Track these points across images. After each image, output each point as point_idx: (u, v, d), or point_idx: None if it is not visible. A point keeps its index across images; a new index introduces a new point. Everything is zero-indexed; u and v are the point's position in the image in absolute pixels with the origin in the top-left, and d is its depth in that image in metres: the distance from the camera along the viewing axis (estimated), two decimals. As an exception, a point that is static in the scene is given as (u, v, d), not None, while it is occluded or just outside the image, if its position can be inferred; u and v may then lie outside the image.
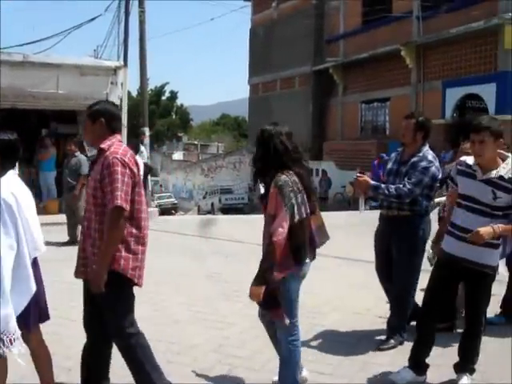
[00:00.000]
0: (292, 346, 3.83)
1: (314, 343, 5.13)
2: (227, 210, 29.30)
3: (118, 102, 15.60)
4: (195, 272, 8.06)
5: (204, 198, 35.93)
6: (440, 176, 5.07)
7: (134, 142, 15.61)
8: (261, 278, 3.61)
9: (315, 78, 29.86)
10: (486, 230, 3.96)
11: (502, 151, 4.14)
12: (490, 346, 5.18)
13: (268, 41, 33.53)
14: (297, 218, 3.66)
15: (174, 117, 70.55)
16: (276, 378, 3.96)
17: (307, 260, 3.84)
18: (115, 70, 15.25)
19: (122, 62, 15.87)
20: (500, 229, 3.97)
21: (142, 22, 16.78)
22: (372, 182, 4.85)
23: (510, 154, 4.13)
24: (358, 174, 4.94)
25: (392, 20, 25.23)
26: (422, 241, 5.03)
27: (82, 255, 3.58)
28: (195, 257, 9.22)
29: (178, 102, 72.21)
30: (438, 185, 5.22)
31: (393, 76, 25.44)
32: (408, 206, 4.90)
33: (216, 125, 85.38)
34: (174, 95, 70.51)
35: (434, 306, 4.37)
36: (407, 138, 5.06)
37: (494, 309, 5.76)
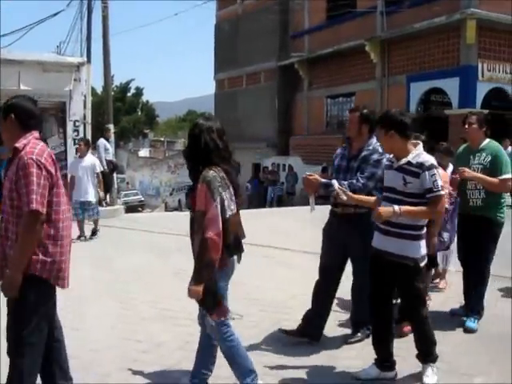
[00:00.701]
0: (229, 341, 3.80)
1: (282, 338, 5.13)
2: (194, 206, 29.08)
3: (81, 99, 15.44)
4: (162, 269, 8.02)
5: (171, 194, 35.81)
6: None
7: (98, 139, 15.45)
8: (199, 276, 3.55)
9: (281, 74, 29.85)
10: (384, 209, 4.05)
11: (416, 141, 4.26)
12: (456, 337, 5.28)
13: (233, 36, 33.42)
14: (228, 213, 3.65)
15: (139, 113, 69.91)
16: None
17: (234, 257, 3.84)
18: (78, 67, 15.07)
19: (85, 59, 15.68)
20: (402, 210, 4.01)
21: (105, 18, 16.55)
22: (323, 180, 4.71)
23: (420, 142, 4.26)
24: (308, 173, 4.79)
25: (356, 15, 25.32)
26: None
27: (1, 257, 3.40)
28: (162, 254, 9.18)
29: (144, 98, 71.60)
30: None
31: (358, 71, 25.56)
32: None
33: (182, 121, 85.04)
34: (139, 92, 69.86)
35: (381, 303, 4.38)
36: (352, 132, 5.03)
37: (459, 299, 5.86)
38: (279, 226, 12.91)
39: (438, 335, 5.18)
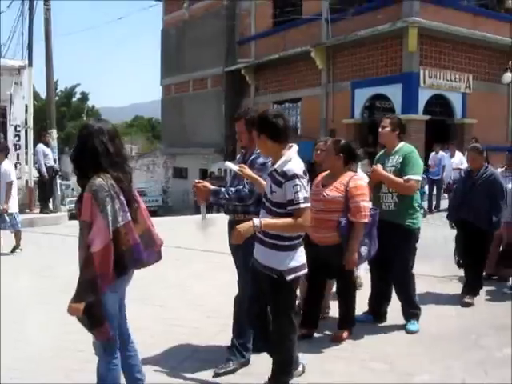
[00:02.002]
0: (108, 364, 3.50)
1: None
2: (141, 212, 28.83)
3: (23, 103, 15.12)
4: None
5: (118, 201, 35.27)
6: None
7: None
8: (81, 294, 3.29)
9: (227, 79, 29.89)
10: (243, 225, 3.75)
11: (291, 144, 3.93)
12: (400, 338, 5.40)
13: (180, 41, 33.33)
14: (116, 225, 3.35)
15: (85, 119, 68.82)
16: None
17: (129, 271, 3.55)
18: (19, 70, 14.78)
19: (27, 62, 15.34)
20: (262, 223, 3.73)
21: (47, 20, 16.22)
22: (211, 187, 4.47)
23: (293, 145, 3.91)
24: (197, 181, 4.52)
25: (302, 22, 25.59)
26: None
27: None
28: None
29: (90, 103, 70.53)
30: None
31: (304, 77, 25.84)
32: (254, 208, 4.41)
33: (129, 126, 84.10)
34: (85, 96, 68.76)
35: (256, 315, 4.14)
36: (244, 141, 4.68)
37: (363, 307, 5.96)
38: (222, 230, 12.86)
39: (381, 337, 5.31)
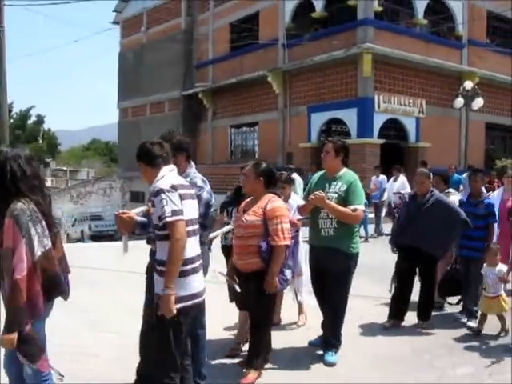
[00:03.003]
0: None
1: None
2: (98, 237, 28.49)
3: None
4: (57, 302, 7.72)
5: (73, 225, 34.74)
6: (213, 200, 4.65)
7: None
8: (12, 324, 3.15)
9: (185, 103, 29.96)
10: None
11: (169, 166, 3.85)
12: (317, 373, 5.38)
13: (137, 65, 33.29)
14: (40, 250, 3.28)
15: (40, 142, 67.87)
16: None
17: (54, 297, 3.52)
18: (-29, 92, 14.49)
19: (-21, 84, 15.09)
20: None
21: (0, 41, 16.01)
22: (138, 219, 4.15)
23: (166, 167, 3.81)
24: (120, 211, 4.13)
25: (259, 47, 25.90)
26: None
27: None
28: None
29: (46, 126, 69.68)
30: (214, 210, 4.86)
31: (260, 101, 26.05)
32: None
33: (86, 150, 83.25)
34: (40, 119, 67.94)
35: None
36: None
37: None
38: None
39: (297, 374, 5.15)
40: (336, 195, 5.33)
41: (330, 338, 5.46)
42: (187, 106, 29.92)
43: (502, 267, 6.20)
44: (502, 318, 6.17)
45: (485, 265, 6.30)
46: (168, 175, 3.75)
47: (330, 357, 5.35)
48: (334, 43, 21.56)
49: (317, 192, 5.28)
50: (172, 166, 3.88)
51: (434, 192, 6.62)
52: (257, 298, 4.88)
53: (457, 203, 7.13)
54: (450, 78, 23.84)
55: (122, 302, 7.33)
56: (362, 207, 5.39)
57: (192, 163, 4.69)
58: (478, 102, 20.37)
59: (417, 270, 6.69)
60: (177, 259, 3.54)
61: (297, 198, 6.70)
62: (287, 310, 6.48)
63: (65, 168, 69.93)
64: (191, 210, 3.80)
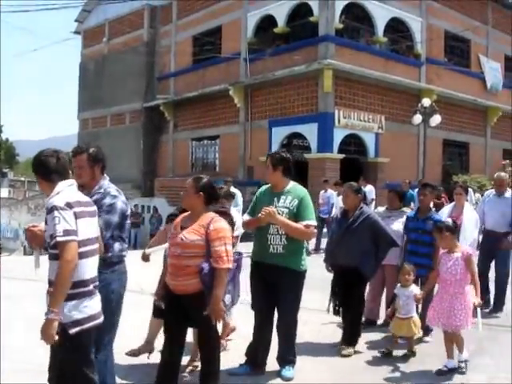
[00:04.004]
0: None
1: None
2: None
3: None
4: (10, 316, 7.55)
5: (30, 237, 34.08)
6: (129, 211, 4.47)
7: None
8: None
9: (146, 115, 29.77)
10: None
11: (68, 181, 3.67)
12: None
13: (98, 76, 33.01)
14: None
15: (-2, 151, 66.68)
16: None
17: None
18: None
19: None
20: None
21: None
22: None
23: (63, 182, 3.63)
24: (31, 224, 3.87)
25: (221, 60, 25.97)
26: (114, 295, 4.27)
27: None
28: (13, 300, 8.65)
29: (4, 136, 68.46)
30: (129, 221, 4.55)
31: (222, 114, 26.07)
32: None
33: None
34: (-2, 129, 66.80)
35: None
36: (85, 177, 4.36)
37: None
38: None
39: None
40: (287, 210, 5.20)
41: (286, 355, 5.40)
42: (148, 118, 29.75)
43: (414, 288, 6.12)
44: (410, 340, 6.10)
45: (398, 285, 6.22)
46: (64, 191, 3.56)
47: (287, 371, 5.32)
48: (296, 58, 21.76)
49: (267, 207, 5.11)
50: (71, 181, 3.69)
51: (363, 209, 6.41)
52: (197, 325, 4.69)
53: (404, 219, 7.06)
54: (409, 94, 24.27)
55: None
56: (314, 223, 5.31)
57: (106, 175, 4.50)
58: (436, 119, 20.75)
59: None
60: (65, 281, 3.35)
61: (236, 213, 6.52)
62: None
63: (23, 179, 68.77)
64: (89, 228, 3.62)
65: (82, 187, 4.23)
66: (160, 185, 27.78)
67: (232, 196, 6.71)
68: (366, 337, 6.67)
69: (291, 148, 24.45)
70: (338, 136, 21.76)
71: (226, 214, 4.93)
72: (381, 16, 23.27)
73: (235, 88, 24.41)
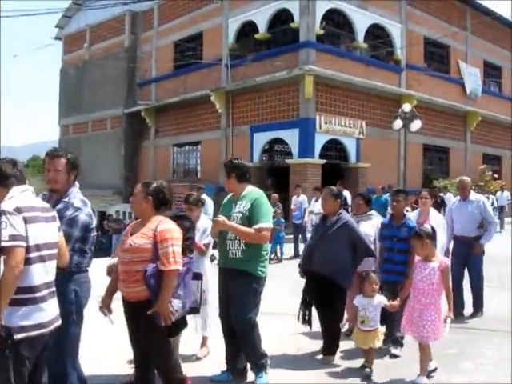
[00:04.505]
0: None
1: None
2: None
3: None
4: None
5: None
6: (94, 224, 4.42)
7: None
8: None
9: (127, 121, 29.62)
10: None
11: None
12: None
13: (79, 81, 32.81)
14: None
15: (-23, 158, 65.99)
16: None
17: None
18: None
19: None
20: None
21: None
22: None
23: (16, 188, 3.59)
24: None
25: (202, 66, 25.96)
26: (74, 306, 4.24)
27: None
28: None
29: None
30: (95, 234, 4.46)
31: (203, 120, 26.04)
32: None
33: (26, 166, 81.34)
34: (-24, 135, 66.14)
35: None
36: (60, 182, 4.38)
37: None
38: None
39: None
40: (240, 215, 5.23)
41: (255, 361, 5.33)
42: (129, 124, 29.62)
43: (381, 298, 5.93)
44: (371, 352, 5.87)
45: (361, 296, 5.97)
46: (17, 196, 3.53)
47: (261, 379, 5.26)
48: (277, 64, 21.81)
49: (216, 218, 5.25)
50: (25, 187, 3.64)
51: (341, 214, 6.33)
52: (147, 333, 4.44)
53: (379, 226, 6.92)
54: (389, 100, 24.43)
55: None
56: (267, 225, 5.22)
57: (76, 183, 4.50)
58: (416, 124, 20.89)
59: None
60: (8, 287, 3.27)
61: (206, 221, 6.47)
62: (185, 340, 5.92)
63: None
64: (42, 234, 3.54)
65: (53, 192, 4.35)
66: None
67: (202, 202, 6.60)
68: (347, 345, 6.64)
69: (273, 153, 24.58)
70: (320, 141, 21.81)
71: (184, 218, 4.78)
72: (361, 22, 23.43)
73: (216, 94, 24.41)
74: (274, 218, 14.98)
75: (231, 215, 5.27)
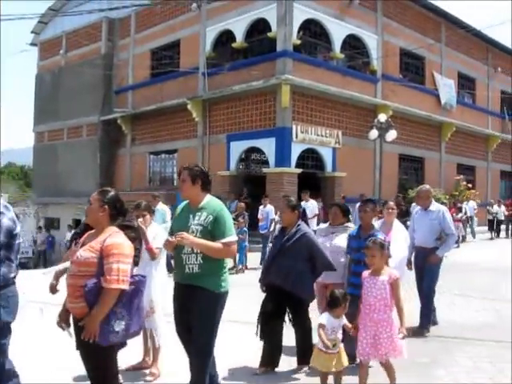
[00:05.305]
0: None
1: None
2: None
3: None
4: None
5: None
6: (18, 230, 4.18)
7: None
8: None
9: (103, 128, 29.46)
10: None
11: None
12: None
13: (55, 88, 32.57)
14: None
15: (-50, 164, 65.10)
16: None
17: None
18: None
19: None
20: None
21: None
22: None
23: None
24: None
25: (179, 74, 25.92)
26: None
27: None
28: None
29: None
30: (21, 241, 4.26)
31: (180, 129, 26.00)
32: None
33: (0, 173, 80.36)
34: (-51, 141, 65.22)
35: None
36: None
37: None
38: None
39: None
40: (201, 227, 4.78)
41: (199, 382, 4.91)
42: (106, 132, 29.45)
43: (344, 319, 5.46)
44: (339, 374, 5.44)
45: (327, 314, 5.43)
46: None
47: None
48: (254, 73, 21.85)
49: (179, 234, 4.67)
50: None
51: (300, 226, 6.19)
52: (86, 351, 4.15)
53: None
54: (365, 110, 24.62)
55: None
56: (233, 238, 4.88)
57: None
58: (392, 134, 21.06)
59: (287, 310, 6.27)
60: None
61: (157, 228, 6.34)
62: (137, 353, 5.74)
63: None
64: None
65: None
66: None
67: (150, 211, 6.38)
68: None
69: (249, 162, 24.58)
70: (296, 151, 21.88)
71: (131, 228, 4.47)
72: (338, 32, 23.59)
73: (193, 102, 24.38)
74: (237, 227, 15.00)
75: (189, 227, 4.79)
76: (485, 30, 35.34)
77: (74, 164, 29.93)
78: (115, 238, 4.14)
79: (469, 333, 8.04)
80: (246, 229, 15.50)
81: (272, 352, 6.22)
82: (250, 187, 22.76)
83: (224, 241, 4.74)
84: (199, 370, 4.80)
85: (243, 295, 8.73)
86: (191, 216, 4.86)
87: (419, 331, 7.92)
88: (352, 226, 7.02)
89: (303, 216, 6.44)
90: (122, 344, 4.25)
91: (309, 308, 6.41)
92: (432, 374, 6.16)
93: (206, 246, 4.71)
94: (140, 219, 5.90)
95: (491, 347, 7.31)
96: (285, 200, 6.43)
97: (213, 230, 4.75)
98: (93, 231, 4.38)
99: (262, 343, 6.34)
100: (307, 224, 6.57)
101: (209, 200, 4.93)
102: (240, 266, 15.14)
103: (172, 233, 4.93)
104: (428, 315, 8.13)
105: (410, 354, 5.68)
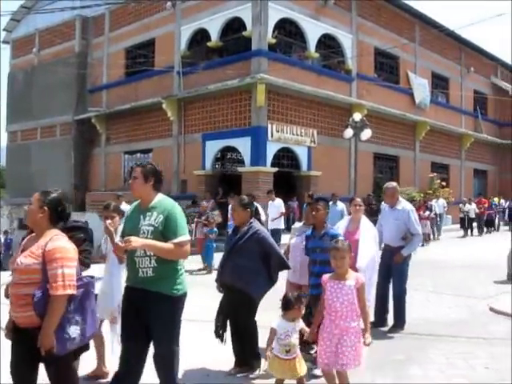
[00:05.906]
0: None
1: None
2: (-19, 266, 26.94)
3: None
4: None
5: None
6: None
7: None
8: None
9: (77, 128, 29.15)
10: None
11: None
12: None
13: (28, 87, 32.16)
14: None
15: None
16: None
17: None
18: None
19: None
20: None
21: None
22: None
23: None
24: None
25: (154, 73, 25.78)
26: None
27: None
28: None
29: None
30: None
31: (155, 128, 25.85)
32: None
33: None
34: None
35: None
36: None
37: None
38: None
39: None
40: (152, 228, 4.56)
41: None
42: (79, 131, 29.16)
43: (301, 323, 5.24)
44: (301, 381, 5.26)
45: (281, 319, 5.21)
46: None
47: None
48: (229, 73, 21.81)
49: (127, 238, 4.41)
50: None
51: (252, 224, 6.13)
52: (44, 363, 3.98)
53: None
54: (340, 109, 24.71)
55: None
56: (187, 238, 4.66)
57: None
58: (367, 133, 21.16)
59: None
60: None
61: None
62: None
63: None
64: None
65: None
66: (91, 199, 27.19)
67: (119, 213, 6.27)
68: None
69: (225, 161, 24.55)
70: (271, 150, 21.89)
71: (79, 229, 4.40)
72: (313, 32, 23.65)
73: (168, 101, 24.27)
74: (207, 227, 15.39)
75: (140, 228, 4.57)
76: (458, 30, 35.65)
77: (48, 164, 29.58)
78: (57, 241, 3.96)
79: (441, 329, 8.12)
80: (215, 229, 15.54)
81: (243, 351, 6.14)
82: (226, 186, 22.73)
83: (176, 241, 4.52)
84: (167, 377, 4.63)
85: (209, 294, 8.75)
86: (141, 216, 4.64)
87: (393, 330, 7.98)
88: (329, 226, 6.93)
89: (256, 214, 6.34)
90: (82, 348, 4.14)
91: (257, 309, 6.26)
92: (407, 371, 6.19)
93: (157, 247, 4.48)
94: (108, 221, 5.75)
95: (463, 343, 7.39)
96: (237, 199, 6.35)
97: (164, 230, 4.53)
98: (33, 235, 4.17)
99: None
100: (261, 222, 6.47)
101: (160, 199, 4.72)
102: (205, 265, 15.16)
103: (124, 235, 4.71)
104: (402, 316, 8.13)
105: (385, 352, 5.71)
